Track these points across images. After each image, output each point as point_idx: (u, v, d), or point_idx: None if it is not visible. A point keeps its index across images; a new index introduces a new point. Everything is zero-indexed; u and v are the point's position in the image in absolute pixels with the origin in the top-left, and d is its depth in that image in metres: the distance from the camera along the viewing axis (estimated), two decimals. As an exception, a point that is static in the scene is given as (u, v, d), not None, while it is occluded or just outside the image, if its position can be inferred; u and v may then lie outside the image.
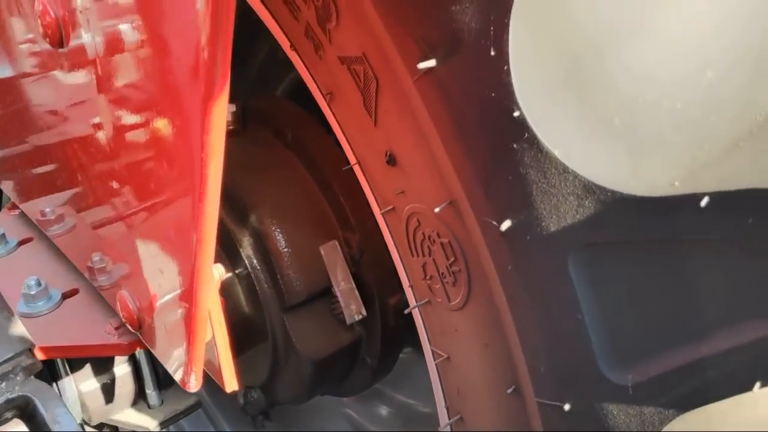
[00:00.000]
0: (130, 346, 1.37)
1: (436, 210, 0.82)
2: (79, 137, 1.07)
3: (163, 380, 1.79)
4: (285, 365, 1.83)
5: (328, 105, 1.03)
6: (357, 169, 1.05)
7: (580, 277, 0.71)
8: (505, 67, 0.68)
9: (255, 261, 1.71)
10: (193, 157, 0.68)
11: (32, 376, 0.87)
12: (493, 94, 0.70)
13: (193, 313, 0.84)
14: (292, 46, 1.04)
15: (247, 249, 1.72)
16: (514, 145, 0.70)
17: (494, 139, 0.72)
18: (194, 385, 0.98)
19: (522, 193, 0.71)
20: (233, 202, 1.77)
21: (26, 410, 0.83)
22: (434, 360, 1.01)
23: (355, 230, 1.70)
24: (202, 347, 0.92)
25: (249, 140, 1.83)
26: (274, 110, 1.84)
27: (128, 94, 0.82)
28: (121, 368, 1.71)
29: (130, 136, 0.87)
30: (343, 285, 1.73)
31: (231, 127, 1.84)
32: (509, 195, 0.73)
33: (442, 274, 0.90)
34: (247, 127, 1.86)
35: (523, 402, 0.83)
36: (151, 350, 1.11)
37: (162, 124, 0.75)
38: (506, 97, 0.68)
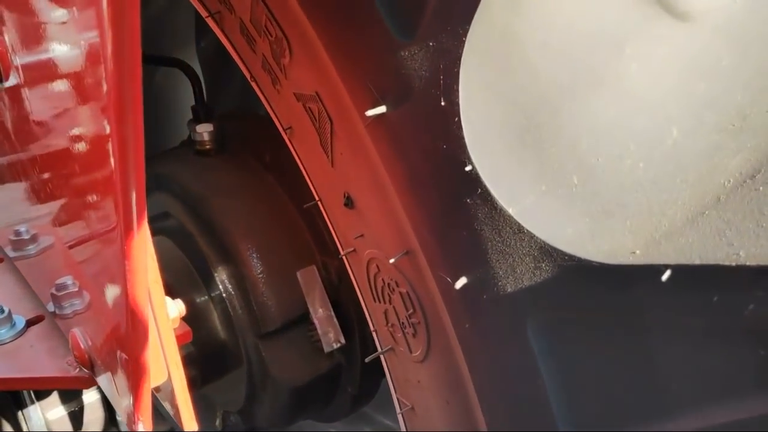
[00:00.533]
0: (91, 380, 1.32)
1: (391, 261, 0.77)
2: (24, 165, 1.03)
3: (137, 406, 1.74)
4: (262, 392, 1.78)
5: (289, 139, 0.98)
6: (320, 206, 1.00)
7: (539, 340, 0.66)
8: (456, 119, 0.63)
9: (229, 286, 1.66)
10: (115, 198, 0.63)
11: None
12: (444, 146, 0.65)
13: (133, 368, 0.79)
14: (252, 77, 1.00)
15: (221, 273, 1.67)
16: (468, 200, 0.65)
17: (447, 192, 0.67)
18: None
19: (477, 250, 0.66)
20: (208, 224, 1.72)
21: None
22: (400, 409, 0.96)
23: (334, 255, 1.65)
24: (148, 397, 0.87)
25: (226, 161, 1.78)
26: (252, 130, 1.79)
27: (55, 125, 0.78)
28: (91, 395, 1.66)
29: (64, 168, 0.83)
30: (320, 312, 1.68)
31: (208, 147, 1.79)
32: (464, 251, 0.68)
33: (403, 323, 0.85)
34: (226, 148, 1.81)
35: (484, 465, 0.78)
36: (104, 391, 1.07)
37: (87, 159, 0.70)
38: (458, 150, 0.64)
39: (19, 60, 0.80)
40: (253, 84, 1.01)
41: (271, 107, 0.99)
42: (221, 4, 0.97)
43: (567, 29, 0.59)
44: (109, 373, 0.97)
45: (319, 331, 1.66)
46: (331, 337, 1.68)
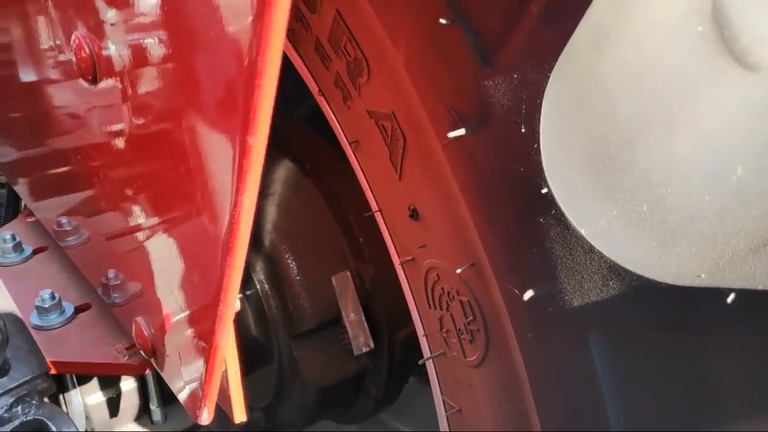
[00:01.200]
0: (140, 368, 1.38)
1: (458, 271, 0.83)
2: (106, 158, 1.08)
3: (168, 397, 1.80)
4: (290, 390, 1.84)
5: (353, 152, 1.05)
6: (378, 216, 1.06)
7: (601, 353, 0.71)
8: (535, 145, 0.69)
9: (266, 286, 1.73)
10: (224, 202, 0.69)
11: (46, 399, 0.88)
12: (521, 169, 0.71)
13: (211, 354, 0.85)
14: (320, 92, 1.06)
15: (259, 273, 1.73)
16: (541, 220, 0.71)
17: (521, 211, 0.73)
18: (206, 418, 0.98)
19: (546, 266, 0.72)
20: (248, 226, 1.77)
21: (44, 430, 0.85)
22: (445, 411, 1.02)
23: (368, 263, 1.71)
24: (218, 385, 0.93)
25: (267, 165, 1.84)
26: (293, 136, 1.86)
27: (160, 124, 0.82)
28: (128, 383, 1.72)
29: (158, 163, 0.87)
30: (352, 316, 1.74)
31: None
32: (533, 266, 0.74)
33: (459, 330, 0.91)
34: (267, 152, 1.87)
35: (533, 466, 0.83)
36: (164, 378, 1.12)
37: (194, 159, 0.75)
38: (535, 174, 0.70)
39: (120, 55, 0.84)
40: (320, 99, 1.08)
41: (337, 122, 1.05)
42: (297, 22, 1.04)
43: (644, 71, 0.65)
44: (173, 361, 1.03)
45: (350, 335, 1.72)
46: (361, 340, 1.74)
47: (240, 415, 1.17)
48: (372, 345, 1.72)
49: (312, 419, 1.99)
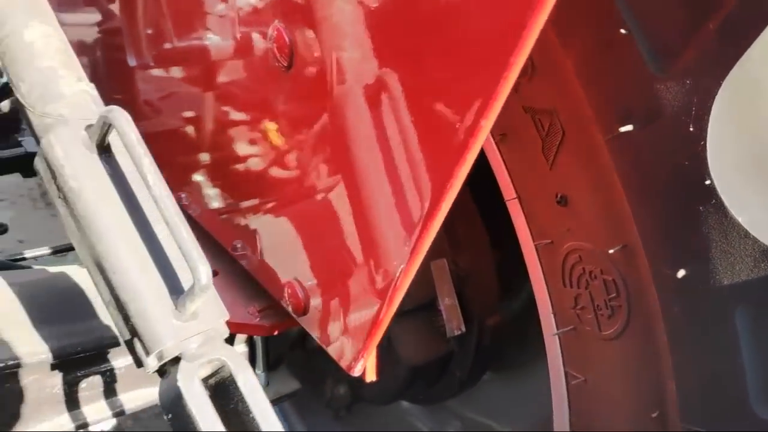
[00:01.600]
0: (271, 328, 1.53)
1: (611, 251, 0.95)
2: (292, 133, 1.15)
3: (270, 363, 1.96)
4: (381, 366, 1.97)
5: (497, 144, 1.17)
6: (513, 204, 1.18)
7: (745, 327, 0.82)
8: (702, 143, 0.80)
9: (371, 267, 1.86)
10: (433, 173, 0.81)
11: (225, 342, 1.02)
12: (686, 163, 0.82)
13: (384, 310, 0.98)
14: (471, 89, 1.19)
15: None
16: (700, 208, 0.82)
17: (681, 200, 0.85)
18: (359, 369, 1.12)
19: (701, 249, 0.83)
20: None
21: (220, 371, 0.98)
22: (567, 382, 1.13)
23: (464, 253, 1.85)
24: (378, 339, 1.06)
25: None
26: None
27: (366, 102, 0.89)
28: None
29: (353, 135, 0.95)
30: (447, 301, 1.87)
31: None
32: (687, 248, 0.85)
33: (598, 306, 1.02)
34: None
35: (665, 425, 0.94)
36: (311, 334, 1.25)
37: (399, 133, 0.83)
38: (699, 167, 0.81)
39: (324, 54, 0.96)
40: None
41: (485, 116, 1.18)
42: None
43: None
44: (329, 319, 1.16)
45: (444, 318, 1.85)
46: (454, 324, 1.86)
47: (371, 374, 1.31)
48: (464, 329, 1.85)
49: (395, 397, 2.12)
